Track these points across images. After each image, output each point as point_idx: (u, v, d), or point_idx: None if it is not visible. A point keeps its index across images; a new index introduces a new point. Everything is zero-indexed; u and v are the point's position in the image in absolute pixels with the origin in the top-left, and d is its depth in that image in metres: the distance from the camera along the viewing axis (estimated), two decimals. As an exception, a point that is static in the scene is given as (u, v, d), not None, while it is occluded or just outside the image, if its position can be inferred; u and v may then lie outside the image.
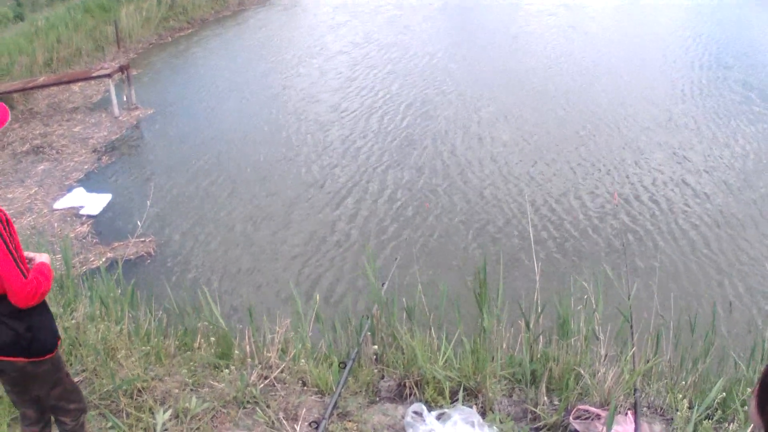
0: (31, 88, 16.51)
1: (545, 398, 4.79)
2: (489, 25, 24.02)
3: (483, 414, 4.67)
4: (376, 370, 5.20)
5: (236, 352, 5.43)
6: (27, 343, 3.57)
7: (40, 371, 3.72)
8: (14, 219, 10.96)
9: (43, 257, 3.70)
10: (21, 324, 3.53)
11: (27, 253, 3.70)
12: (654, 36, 22.17)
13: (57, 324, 5.56)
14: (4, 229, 3.39)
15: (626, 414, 4.59)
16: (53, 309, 5.82)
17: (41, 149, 14.29)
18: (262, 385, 4.99)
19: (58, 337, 3.81)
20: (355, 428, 4.64)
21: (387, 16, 25.51)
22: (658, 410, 4.81)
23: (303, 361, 5.19)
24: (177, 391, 4.91)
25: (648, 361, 5.09)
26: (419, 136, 14.28)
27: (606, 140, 13.83)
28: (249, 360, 5.33)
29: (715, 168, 12.52)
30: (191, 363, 5.30)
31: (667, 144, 13.60)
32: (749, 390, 4.66)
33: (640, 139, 13.87)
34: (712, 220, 10.81)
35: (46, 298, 3.70)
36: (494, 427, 4.49)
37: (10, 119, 3.65)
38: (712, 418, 4.57)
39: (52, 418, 4.11)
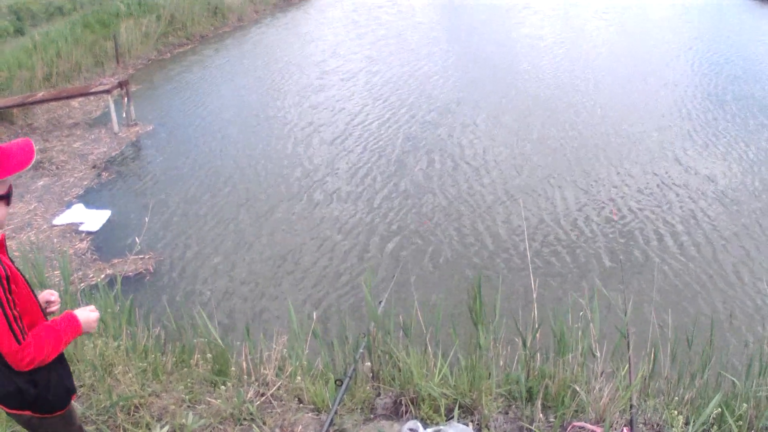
0: (31, 103, 16.57)
1: (541, 415, 4.79)
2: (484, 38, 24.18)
3: (479, 431, 4.68)
4: (372, 388, 5.20)
5: (233, 369, 5.42)
6: (31, 399, 3.33)
7: (47, 424, 3.49)
8: (13, 235, 11.02)
9: (80, 313, 3.40)
10: (21, 377, 3.26)
11: (44, 295, 3.50)
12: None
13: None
14: (3, 287, 3.06)
15: (622, 431, 4.59)
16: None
17: (41, 165, 14.32)
18: (258, 402, 5.00)
19: (71, 393, 3.57)
20: (351, 445, 4.65)
21: (375, 30, 25.70)
22: (655, 426, 4.81)
23: (299, 378, 5.19)
24: (174, 407, 4.91)
25: (645, 378, 5.10)
26: (416, 148, 14.33)
27: (602, 157, 13.87)
28: (246, 377, 5.34)
29: (715, 184, 12.55)
30: (188, 379, 5.31)
31: (666, 158, 13.64)
32: (745, 406, 4.67)
33: (640, 154, 13.92)
34: (709, 235, 10.82)
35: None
36: (490, 444, 4.49)
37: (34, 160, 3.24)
38: (708, 434, 4.58)
39: None
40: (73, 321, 3.34)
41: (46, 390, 3.36)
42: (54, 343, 3.19)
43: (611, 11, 27.91)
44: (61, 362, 3.47)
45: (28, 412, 3.39)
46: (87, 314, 3.43)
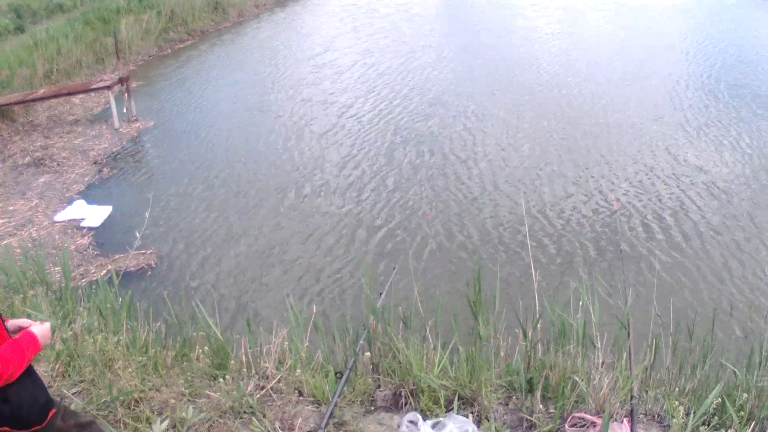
0: (32, 101, 16.56)
1: (541, 406, 4.78)
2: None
3: (478, 422, 4.67)
4: (372, 380, 5.20)
5: (233, 362, 5.42)
6: (6, 416, 3.38)
7: None
8: (15, 231, 11.03)
9: (35, 328, 3.49)
10: None
11: (19, 321, 3.56)
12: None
13: (55, 336, 5.54)
14: None
15: (622, 421, 4.58)
16: (53, 321, 5.82)
17: (42, 161, 14.33)
18: (258, 395, 4.99)
19: (50, 408, 3.59)
20: (351, 438, 4.65)
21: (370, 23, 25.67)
22: (655, 417, 4.80)
23: (299, 371, 5.18)
24: (174, 401, 4.91)
25: (646, 369, 5.09)
26: (415, 132, 14.33)
27: (596, 148, 13.85)
28: (245, 370, 5.34)
29: (714, 174, 12.52)
30: (188, 373, 5.31)
31: (665, 150, 13.61)
32: (746, 396, 4.66)
33: (640, 145, 13.89)
34: (710, 226, 10.80)
35: (34, 365, 3.51)
36: (489, 436, 4.48)
37: None
38: (709, 425, 4.55)
39: None
40: (33, 338, 3.44)
41: (18, 407, 3.41)
42: (18, 359, 3.28)
43: (609, 3, 27.81)
44: (32, 379, 3.52)
45: (6, 429, 3.44)
46: (40, 328, 3.54)
